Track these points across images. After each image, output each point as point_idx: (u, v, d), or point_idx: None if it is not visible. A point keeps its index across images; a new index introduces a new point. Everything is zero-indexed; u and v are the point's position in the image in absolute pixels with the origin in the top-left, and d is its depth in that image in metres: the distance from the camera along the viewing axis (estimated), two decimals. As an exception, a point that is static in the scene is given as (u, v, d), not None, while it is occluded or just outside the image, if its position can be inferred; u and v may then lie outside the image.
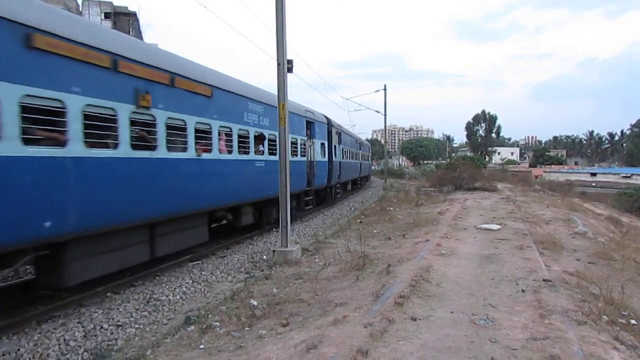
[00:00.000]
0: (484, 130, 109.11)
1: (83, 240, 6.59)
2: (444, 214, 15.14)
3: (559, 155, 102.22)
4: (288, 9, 9.97)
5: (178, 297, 7.56)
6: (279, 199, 10.17)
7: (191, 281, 8.44)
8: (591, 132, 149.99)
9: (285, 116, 9.90)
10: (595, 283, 6.50)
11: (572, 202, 21.83)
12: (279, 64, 9.94)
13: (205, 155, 9.53)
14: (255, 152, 12.19)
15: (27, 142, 5.54)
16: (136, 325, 6.29)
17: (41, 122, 5.79)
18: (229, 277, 8.87)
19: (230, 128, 10.81)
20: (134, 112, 7.38)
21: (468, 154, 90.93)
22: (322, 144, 19.75)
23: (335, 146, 22.33)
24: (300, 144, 16.43)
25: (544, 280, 6.60)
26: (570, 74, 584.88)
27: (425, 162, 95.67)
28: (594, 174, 55.34)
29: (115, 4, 41.89)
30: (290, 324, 5.45)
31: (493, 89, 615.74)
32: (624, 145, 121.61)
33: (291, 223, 10.62)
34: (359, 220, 16.36)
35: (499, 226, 11.91)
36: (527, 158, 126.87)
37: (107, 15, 40.68)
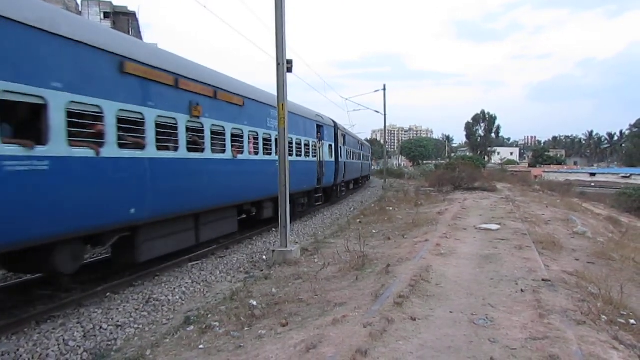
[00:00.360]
0: (483, 130, 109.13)
1: (150, 225, 8.11)
2: (444, 214, 15.15)
3: (559, 156, 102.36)
4: (287, 9, 9.99)
5: (177, 297, 7.56)
6: (279, 199, 10.17)
7: (190, 281, 8.44)
8: (590, 133, 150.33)
9: (284, 116, 9.90)
10: (595, 283, 6.51)
11: (571, 202, 21.86)
12: (278, 64, 9.94)
13: (238, 156, 11.17)
14: (276, 153, 12.90)
15: (120, 146, 7.14)
16: (135, 326, 6.29)
17: (129, 130, 7.31)
18: (228, 277, 8.87)
19: (257, 132, 12.49)
20: (188, 121, 8.99)
21: (467, 154, 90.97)
22: (330, 145, 21.27)
23: (340, 147, 23.73)
24: (312, 146, 17.92)
25: (543, 280, 6.61)
26: (570, 74, 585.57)
27: (424, 162, 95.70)
28: (593, 174, 55.36)
29: (114, 3, 41.84)
30: (290, 324, 5.45)
31: (493, 89, 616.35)
32: (623, 145, 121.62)
33: (291, 223, 11.15)
34: (358, 220, 16.37)
35: (498, 226, 11.92)
36: (527, 158, 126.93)
37: (106, 15, 40.62)
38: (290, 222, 13.34)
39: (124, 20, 41.34)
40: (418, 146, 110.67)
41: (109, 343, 5.75)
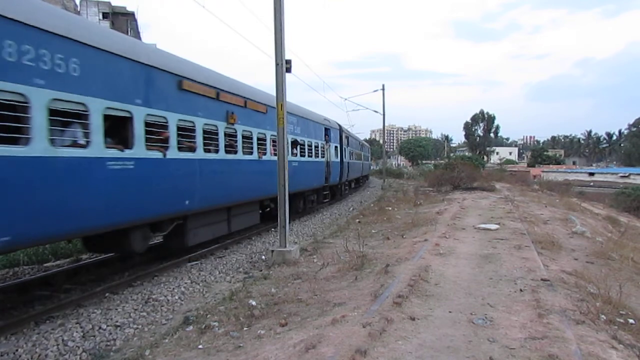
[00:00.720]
0: (482, 130, 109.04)
1: (196, 215, 9.70)
2: (443, 213, 15.16)
3: (557, 155, 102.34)
4: (286, 9, 9.99)
5: (177, 297, 7.56)
6: (278, 198, 10.17)
7: (190, 281, 8.44)
8: (589, 132, 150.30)
9: (283, 116, 9.89)
10: (594, 282, 6.51)
11: (570, 202, 21.87)
12: (277, 64, 9.94)
13: (262, 157, 12.86)
14: (292, 155, 15.27)
15: (179, 149, 8.78)
16: (135, 326, 6.29)
17: (184, 136, 8.98)
18: (227, 277, 8.86)
19: (274, 136, 13.74)
20: (226, 127, 10.65)
21: (466, 153, 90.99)
22: (336, 147, 22.97)
23: (345, 149, 25.42)
24: (320, 148, 19.60)
25: (542, 279, 6.61)
26: (568, 74, 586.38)
27: (423, 162, 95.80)
28: (592, 174, 55.32)
29: (113, 3, 41.75)
30: (289, 324, 5.45)
31: (491, 88, 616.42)
32: (622, 145, 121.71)
33: (301, 217, 13.40)
34: (357, 220, 16.38)
35: (497, 226, 11.92)
36: (525, 158, 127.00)
37: (105, 15, 40.52)
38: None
39: (123, 20, 41.24)
40: (417, 146, 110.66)
41: (108, 343, 5.74)
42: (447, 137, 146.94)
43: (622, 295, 5.74)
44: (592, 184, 46.31)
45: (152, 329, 6.20)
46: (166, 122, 8.41)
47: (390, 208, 19.26)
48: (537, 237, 10.34)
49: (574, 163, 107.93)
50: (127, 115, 7.41)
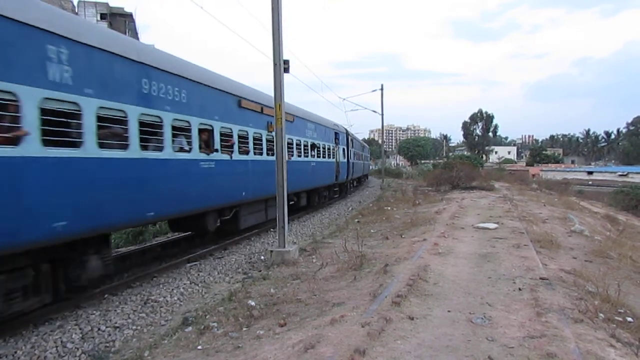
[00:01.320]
0: (481, 129, 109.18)
1: (246, 205, 12.27)
2: (441, 213, 15.16)
3: (556, 154, 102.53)
4: (284, 9, 9.98)
5: (176, 298, 7.56)
6: (277, 199, 10.18)
7: (189, 282, 8.43)
8: (588, 131, 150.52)
9: (281, 116, 9.89)
10: (592, 281, 6.53)
11: (569, 201, 21.91)
12: (275, 64, 9.93)
13: (291, 158, 15.14)
14: (311, 156, 18.68)
15: (239, 152, 11.49)
16: (134, 327, 6.29)
17: (241, 142, 11.72)
18: (226, 278, 8.86)
19: (300, 141, 17.29)
20: (267, 134, 13.40)
21: (465, 153, 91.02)
22: (343, 149, 25.91)
23: (350, 150, 28.36)
24: (332, 149, 22.53)
25: (540, 278, 6.62)
26: (567, 73, 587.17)
27: (422, 161, 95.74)
28: (590, 173, 55.41)
29: (111, 4, 41.69)
30: (288, 324, 5.45)
31: (490, 88, 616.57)
32: (620, 144, 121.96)
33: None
34: (356, 220, 16.39)
35: (496, 225, 11.93)
36: (524, 157, 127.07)
37: (103, 16, 40.46)
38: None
39: (121, 21, 41.16)
40: (416, 146, 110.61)
41: (107, 345, 5.75)
42: (445, 137, 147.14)
43: (620, 293, 5.76)
44: (590, 182, 46.38)
45: (151, 330, 6.20)
46: (231, 132, 11.10)
47: (389, 208, 19.27)
48: (536, 236, 10.35)
49: (572, 162, 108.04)
50: (210, 127, 10.05)
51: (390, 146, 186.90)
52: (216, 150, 10.19)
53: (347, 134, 28.07)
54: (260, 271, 9.13)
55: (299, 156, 16.91)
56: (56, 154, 5.89)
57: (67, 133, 6.11)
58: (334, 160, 23.01)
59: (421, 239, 10.17)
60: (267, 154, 13.29)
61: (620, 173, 50.83)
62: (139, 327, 6.29)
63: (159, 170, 8.11)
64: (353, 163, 29.31)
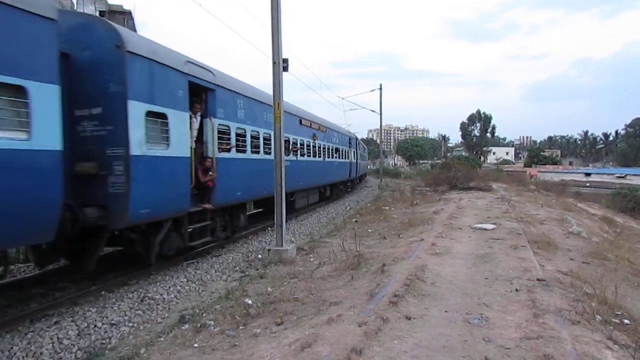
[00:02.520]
0: (479, 130, 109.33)
1: (299, 192, 17.52)
2: (439, 213, 15.18)
3: (554, 155, 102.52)
4: (283, 8, 9.95)
5: (172, 295, 7.54)
6: (275, 198, 10.14)
7: (186, 280, 8.42)
8: (586, 133, 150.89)
9: (280, 115, 9.86)
10: (589, 283, 6.53)
11: (566, 202, 21.95)
12: (274, 63, 9.91)
13: (326, 159, 22.15)
14: (333, 157, 24.46)
15: (300, 155, 17.46)
16: (130, 324, 6.27)
17: (299, 148, 17.20)
18: (223, 276, 8.85)
19: (330, 145, 23.16)
20: (312, 142, 19.03)
21: (463, 153, 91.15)
22: (354, 151, 32.14)
23: (359, 153, 35.39)
24: (346, 152, 28.47)
25: (538, 279, 6.63)
26: (565, 74, 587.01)
27: (420, 161, 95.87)
28: (588, 174, 55.43)
29: (110, 2, 41.53)
30: (285, 323, 5.45)
31: (488, 88, 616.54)
32: (618, 145, 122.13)
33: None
34: (354, 220, 16.38)
35: (493, 226, 11.95)
36: (522, 158, 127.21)
37: (101, 14, 40.31)
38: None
39: (120, 19, 40.92)
40: (414, 146, 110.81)
41: (104, 341, 5.73)
42: (444, 137, 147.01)
43: (617, 295, 5.77)
44: (588, 184, 46.40)
45: (147, 328, 6.18)
46: (296, 141, 16.98)
47: (387, 207, 19.27)
48: (533, 237, 10.37)
49: (570, 163, 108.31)
50: (286, 138, 14.99)
51: (388, 146, 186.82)
52: (292, 153, 16.07)
53: (356, 139, 35.26)
54: (257, 270, 9.11)
55: (328, 158, 22.78)
56: (240, 156, 11.44)
57: (242, 144, 11.66)
58: (348, 160, 29.08)
59: (419, 239, 10.18)
60: (313, 157, 19.34)
61: (618, 175, 50.89)
62: (135, 325, 6.27)
63: (265, 166, 12.42)
64: (359, 163, 35.93)
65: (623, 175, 49.66)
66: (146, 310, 6.84)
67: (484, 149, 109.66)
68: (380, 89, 41.14)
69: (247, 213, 13.66)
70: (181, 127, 8.63)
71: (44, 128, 5.74)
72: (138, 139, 7.30)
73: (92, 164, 7.04)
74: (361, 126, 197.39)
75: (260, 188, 12.46)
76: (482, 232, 11.24)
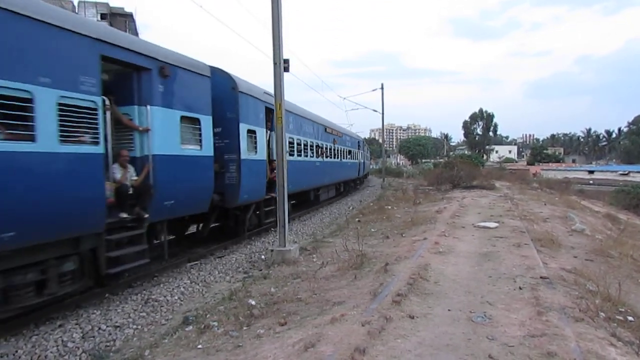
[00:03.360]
0: (481, 128, 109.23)
1: (323, 187, 21.81)
2: (442, 212, 15.15)
3: (557, 153, 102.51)
4: (284, 8, 9.97)
5: (176, 297, 7.56)
6: (277, 198, 10.17)
7: (189, 281, 8.44)
8: (589, 130, 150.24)
9: (281, 115, 9.88)
10: (593, 280, 6.51)
11: (569, 200, 21.88)
12: (275, 64, 9.92)
13: (342, 160, 26.21)
14: (347, 158, 28.21)
15: (324, 157, 21.51)
16: (134, 326, 6.29)
17: (323, 151, 21.33)
18: (227, 277, 8.86)
19: (344, 148, 26.76)
20: (331, 146, 23.28)
21: (466, 152, 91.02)
22: (362, 152, 36.51)
23: (365, 154, 40.44)
24: (356, 154, 32.24)
25: (541, 277, 6.62)
26: (568, 72, 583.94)
27: (423, 160, 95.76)
28: (591, 172, 55.27)
29: (111, 4, 41.66)
30: (288, 323, 5.45)
31: (490, 86, 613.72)
32: (621, 143, 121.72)
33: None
34: (357, 219, 16.38)
35: (496, 224, 11.93)
36: (525, 156, 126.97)
37: (103, 16, 40.43)
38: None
39: (121, 21, 41.14)
40: (416, 145, 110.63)
41: (108, 344, 5.75)
42: (446, 136, 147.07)
43: (621, 292, 5.74)
44: (591, 182, 46.29)
45: (151, 329, 6.20)
46: (323, 146, 20.49)
47: (389, 207, 19.26)
48: (537, 235, 10.34)
49: (573, 161, 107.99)
50: (319, 144, 19.78)
51: (390, 145, 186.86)
52: (321, 156, 20.17)
53: (363, 141, 40.66)
54: (260, 270, 9.13)
55: (344, 158, 26.96)
56: (296, 159, 15.12)
57: (297, 149, 16.26)
58: (357, 161, 33.04)
59: (422, 238, 10.17)
60: (333, 158, 23.32)
61: (621, 172, 50.76)
62: (139, 327, 6.29)
63: (303, 166, 16.42)
64: (365, 163, 40.26)
65: (626, 172, 49.53)
66: (150, 312, 6.86)
67: (487, 147, 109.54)
68: (382, 88, 41.13)
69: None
70: (262, 139, 12.57)
71: (206, 142, 9.50)
72: (244, 148, 11.23)
73: (217, 165, 10.26)
74: (363, 126, 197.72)
75: (302, 183, 16.67)
76: (485, 230, 11.22)
